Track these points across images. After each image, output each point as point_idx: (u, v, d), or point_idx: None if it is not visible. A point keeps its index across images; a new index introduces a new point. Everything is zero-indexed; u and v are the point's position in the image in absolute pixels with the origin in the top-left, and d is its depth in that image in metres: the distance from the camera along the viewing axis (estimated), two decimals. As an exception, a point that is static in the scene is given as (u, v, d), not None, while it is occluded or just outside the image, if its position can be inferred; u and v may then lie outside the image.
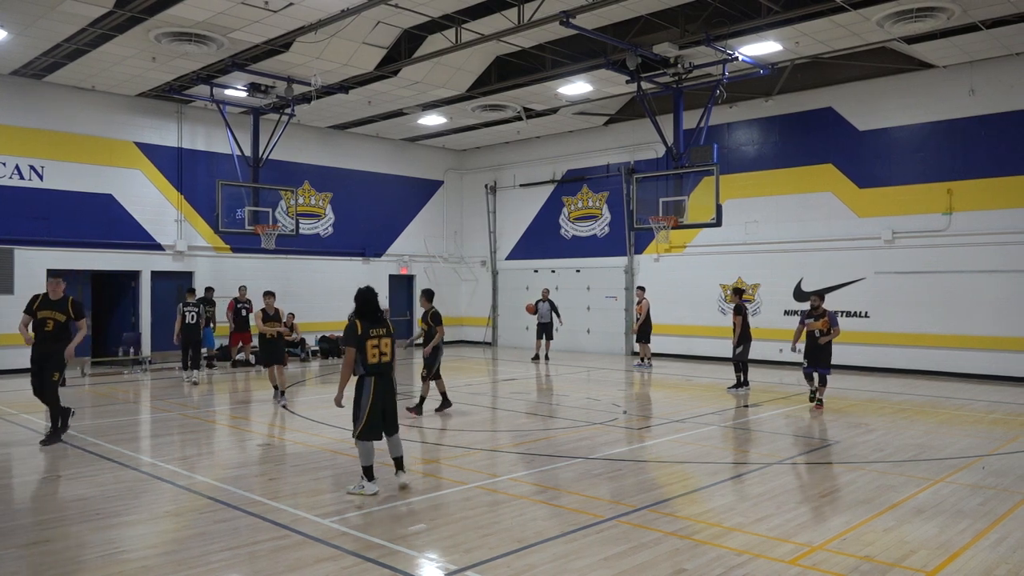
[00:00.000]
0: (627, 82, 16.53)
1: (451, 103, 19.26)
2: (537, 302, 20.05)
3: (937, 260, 16.14)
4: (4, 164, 16.77)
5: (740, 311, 13.83)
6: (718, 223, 15.89)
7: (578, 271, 22.62)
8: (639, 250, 21.27)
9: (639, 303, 17.87)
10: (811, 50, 15.34)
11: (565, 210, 23.12)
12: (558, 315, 19.96)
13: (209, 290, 18.47)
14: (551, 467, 8.13)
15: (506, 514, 6.42)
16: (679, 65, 15.75)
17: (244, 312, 17.81)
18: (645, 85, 16.40)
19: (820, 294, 12.12)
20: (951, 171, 16.09)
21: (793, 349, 12.14)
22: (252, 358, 18.06)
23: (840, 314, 17.37)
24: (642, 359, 17.94)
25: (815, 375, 11.81)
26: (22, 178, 17.01)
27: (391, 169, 23.91)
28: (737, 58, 15.13)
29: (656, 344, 20.70)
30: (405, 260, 24.24)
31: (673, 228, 16.51)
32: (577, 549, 5.54)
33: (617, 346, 21.45)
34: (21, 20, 13.49)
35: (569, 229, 23.03)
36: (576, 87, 17.85)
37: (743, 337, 13.75)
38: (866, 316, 17.09)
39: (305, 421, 11.18)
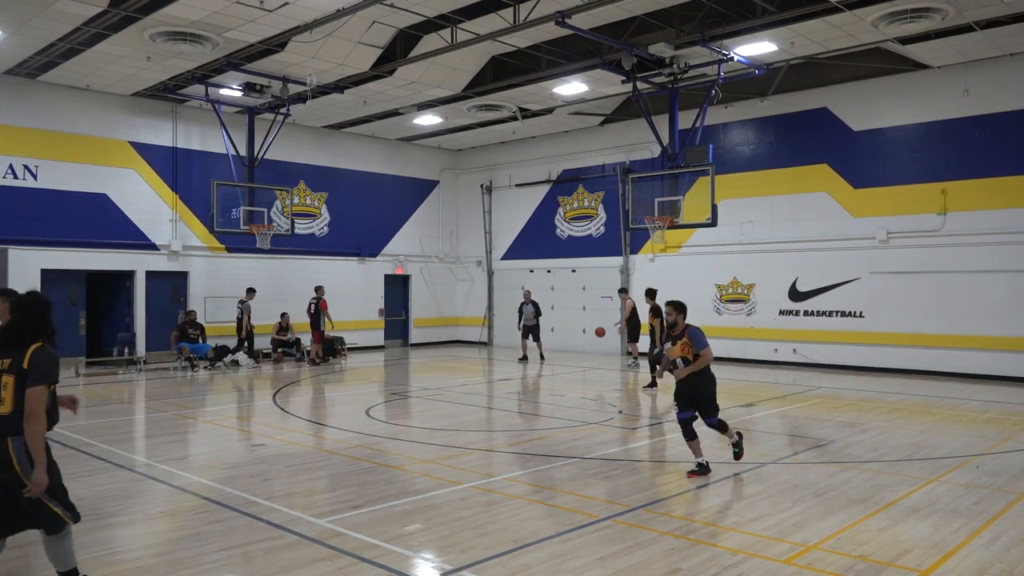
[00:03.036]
0: (623, 82, 16.55)
1: (447, 103, 19.25)
2: (521, 304, 19.92)
3: (932, 260, 16.19)
4: (-2, 163, 16.72)
5: (658, 313, 13.93)
6: (713, 223, 15.92)
7: (574, 271, 22.63)
8: (635, 250, 21.29)
9: (623, 305, 18.00)
10: (806, 50, 15.37)
11: (561, 210, 23.13)
12: (539, 314, 19.91)
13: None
14: (546, 467, 8.13)
15: (502, 514, 6.42)
16: (675, 65, 15.77)
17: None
18: (641, 85, 16.42)
19: (677, 305, 8.19)
20: (946, 171, 16.13)
21: (656, 374, 10.36)
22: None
23: (835, 314, 17.44)
24: (634, 358, 18.17)
25: (693, 429, 7.82)
26: (16, 178, 16.95)
27: (387, 169, 23.90)
28: (732, 58, 15.15)
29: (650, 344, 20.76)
30: (401, 260, 24.22)
31: (668, 228, 16.52)
32: (572, 549, 5.54)
33: (612, 346, 21.46)
34: (15, 19, 13.44)
35: (565, 229, 23.04)
36: (572, 87, 17.86)
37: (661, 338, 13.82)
38: (861, 316, 17.13)
39: (300, 421, 11.17)
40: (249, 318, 18.58)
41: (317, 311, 19.17)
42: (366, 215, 23.25)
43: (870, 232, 17.01)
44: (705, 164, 15.79)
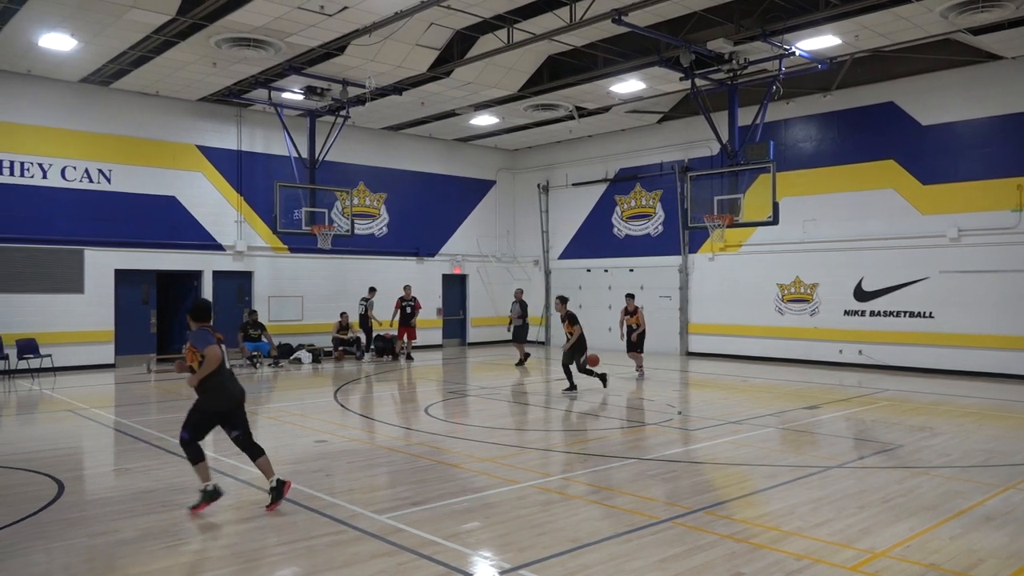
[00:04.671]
0: (680, 79, 16.35)
1: (503, 103, 19.32)
2: (513, 304, 19.62)
3: (1006, 259, 15.56)
4: (75, 168, 17.41)
5: (575, 320, 13.77)
6: (775, 221, 15.60)
7: (631, 270, 22.46)
8: (693, 249, 21.02)
9: (634, 312, 16.15)
10: (871, 43, 14.94)
11: (618, 209, 22.97)
12: (525, 315, 19.61)
13: (372, 290, 20.22)
14: (605, 467, 8.09)
15: (560, 514, 6.41)
16: (734, 61, 15.51)
17: (408, 309, 19.83)
18: (699, 82, 16.20)
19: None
20: (1021, 166, 15.49)
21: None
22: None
23: (903, 314, 16.92)
24: (641, 367, 16.27)
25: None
26: (92, 181, 17.64)
27: (444, 169, 24.09)
28: (794, 53, 14.82)
29: (711, 344, 20.48)
30: (458, 260, 24.39)
31: (728, 227, 16.25)
32: (632, 550, 5.50)
33: (672, 346, 21.23)
34: (90, 29, 13.99)
35: (622, 228, 22.88)
36: (629, 85, 17.72)
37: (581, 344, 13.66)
38: (930, 316, 16.57)
39: (360, 418, 11.33)
40: (371, 314, 19.90)
41: (410, 309, 19.92)
42: (424, 215, 23.49)
43: (940, 230, 16.44)
44: (766, 161, 15.48)
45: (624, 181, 22.78)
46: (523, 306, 19.37)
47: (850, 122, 17.94)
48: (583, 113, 20.30)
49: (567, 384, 13.58)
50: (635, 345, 16.15)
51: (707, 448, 9.15)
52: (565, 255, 24.48)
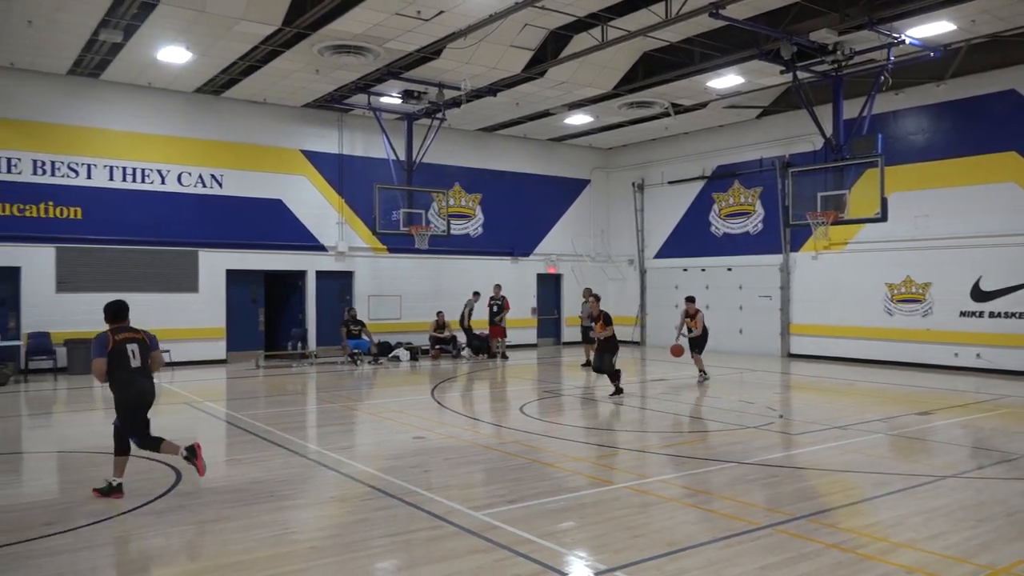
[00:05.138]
0: (781, 72, 15.84)
1: (597, 102, 19.22)
2: (583, 304, 18.98)
3: None
4: (190, 174, 18.41)
5: (609, 320, 13.23)
6: (883, 218, 14.91)
7: (729, 270, 21.94)
8: (795, 247, 20.33)
9: (694, 316, 15.39)
10: (989, 28, 14.08)
11: (715, 207, 22.48)
12: (496, 313, 19.91)
13: (476, 294, 20.63)
14: (702, 470, 7.94)
15: (656, 516, 6.34)
16: (838, 52, 14.91)
17: (495, 308, 20.17)
18: (801, 75, 15.64)
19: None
20: None
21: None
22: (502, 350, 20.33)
23: (1026, 315, 15.89)
24: (703, 371, 15.36)
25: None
26: (205, 186, 18.61)
27: (538, 169, 24.18)
28: (904, 41, 14.13)
29: (814, 346, 19.77)
30: (553, 259, 24.43)
31: (833, 224, 15.65)
32: (731, 556, 5.38)
33: (772, 347, 20.62)
34: (202, 42, 14.76)
35: (720, 226, 22.38)
36: (727, 80, 17.31)
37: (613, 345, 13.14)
38: (1057, 318, 15.47)
39: (456, 416, 11.52)
40: (470, 315, 20.36)
41: (497, 308, 20.20)
42: (519, 215, 23.64)
43: (1068, 225, 15.33)
44: (873, 155, 14.82)
45: (722, 178, 22.26)
46: (605, 316, 19.02)
47: (966, 112, 16.95)
48: (679, 110, 19.96)
49: (612, 389, 13.04)
50: (694, 348, 15.41)
51: (810, 453, 8.84)
52: (661, 254, 24.13)
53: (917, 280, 17.71)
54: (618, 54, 16.32)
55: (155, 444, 7.11)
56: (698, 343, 15.44)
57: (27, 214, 16.52)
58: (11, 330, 16.37)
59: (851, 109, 16.18)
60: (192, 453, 7.07)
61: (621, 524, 6.11)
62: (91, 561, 5.36)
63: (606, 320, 13.15)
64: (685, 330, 15.61)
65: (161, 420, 11.68)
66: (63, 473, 8.33)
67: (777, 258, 20.70)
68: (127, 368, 6.96)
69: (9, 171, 16.36)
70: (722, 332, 21.84)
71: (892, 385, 14.75)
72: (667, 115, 20.35)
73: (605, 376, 13.32)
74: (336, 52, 15.16)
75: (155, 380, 7.29)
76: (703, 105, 19.61)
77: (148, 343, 7.18)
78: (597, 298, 14.12)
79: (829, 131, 15.85)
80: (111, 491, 6.89)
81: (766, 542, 5.66)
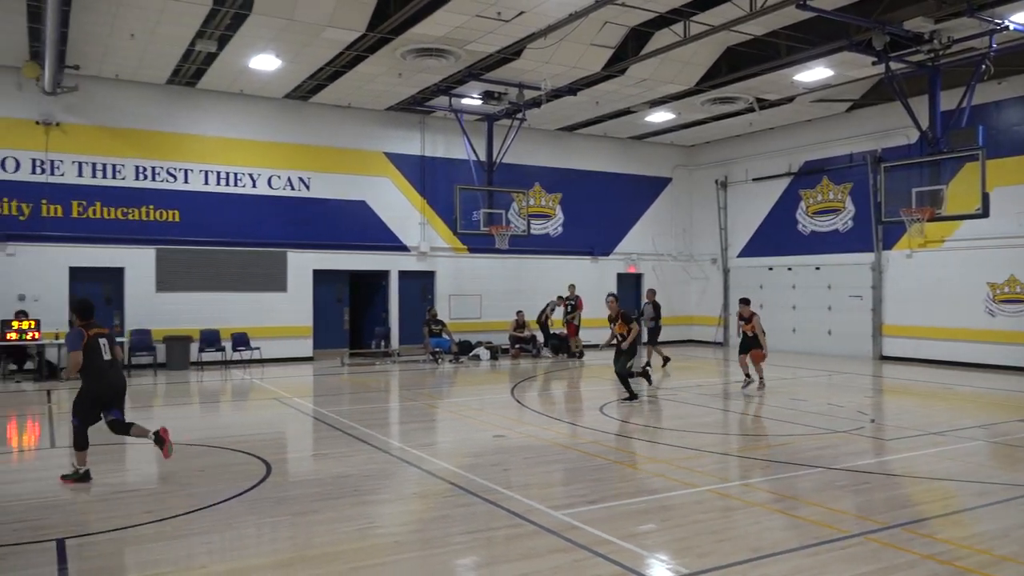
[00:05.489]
0: (873, 64, 15.24)
1: (679, 98, 18.92)
2: (644, 304, 18.80)
3: None
4: (279, 177, 19.06)
5: (629, 319, 12.60)
6: (985, 214, 14.15)
7: (817, 268, 21.25)
8: (888, 245, 19.52)
9: (749, 319, 13.87)
10: (1106, 10, 13.18)
11: (803, 204, 21.81)
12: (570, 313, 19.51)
13: (560, 298, 20.57)
14: (789, 475, 7.72)
15: (740, 521, 6.20)
16: (935, 41, 14.23)
17: (569, 307, 20.08)
18: (894, 65, 15.00)
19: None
20: None
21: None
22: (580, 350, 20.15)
23: None
24: (748, 376, 14.01)
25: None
26: (293, 189, 19.23)
27: (619, 168, 23.98)
28: (1007, 27, 13.36)
29: (908, 348, 18.95)
30: (633, 259, 24.19)
31: (929, 220, 14.97)
32: (819, 564, 5.21)
33: (863, 349, 19.86)
34: (291, 49, 15.24)
35: (807, 224, 21.70)
36: (814, 73, 16.76)
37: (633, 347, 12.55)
38: None
39: (536, 415, 11.54)
40: (549, 316, 20.50)
41: (571, 308, 20.13)
42: (599, 214, 23.51)
43: None
44: (974, 148, 14.10)
45: (810, 174, 21.58)
46: (656, 307, 18.40)
47: (1078, 100, 15.93)
48: (764, 105, 19.46)
49: (626, 394, 12.46)
50: (747, 348, 14.01)
51: (904, 460, 8.48)
52: (745, 253, 23.58)
53: (1022, 279, 16.75)
54: (701, 49, 16.02)
55: (127, 428, 7.69)
56: (751, 345, 13.99)
57: (130, 217, 17.44)
58: (116, 327, 17.31)
59: (948, 100, 15.42)
60: (159, 438, 7.63)
61: (704, 528, 6.00)
62: (186, 549, 5.61)
63: (625, 320, 12.54)
64: (740, 336, 14.42)
65: (252, 415, 12.16)
66: (162, 464, 8.73)
67: (868, 256, 19.92)
68: (100, 360, 7.52)
69: (114, 177, 17.30)
70: (810, 333, 21.21)
71: (993, 390, 14.00)
72: (751, 110, 19.86)
73: (646, 377, 13.27)
74: (418, 55, 15.41)
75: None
76: (789, 99, 19.05)
77: (112, 337, 7.87)
78: (616, 298, 13.25)
79: (925, 123, 15.16)
80: (79, 478, 7.39)
81: (857, 551, 5.46)
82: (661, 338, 18.48)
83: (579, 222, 23.20)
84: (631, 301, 24.24)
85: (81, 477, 7.40)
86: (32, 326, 15.36)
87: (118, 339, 16.67)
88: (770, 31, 14.93)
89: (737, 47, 16.10)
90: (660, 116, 20.84)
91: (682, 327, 24.97)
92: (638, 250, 24.29)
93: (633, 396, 12.47)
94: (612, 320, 12.75)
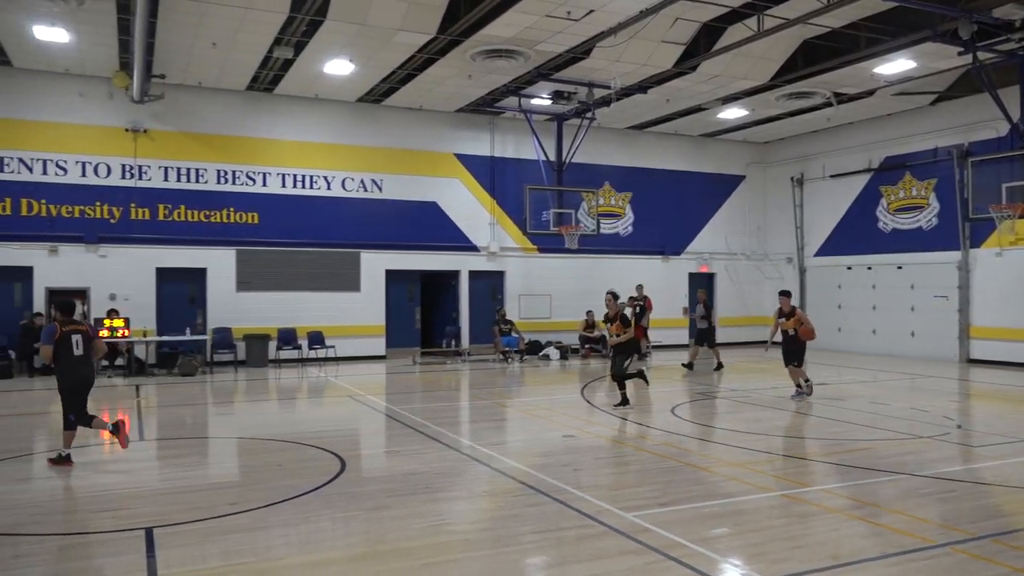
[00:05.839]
0: (959, 54, 14.62)
1: (753, 94, 18.53)
2: (696, 304, 18.09)
3: None
4: (353, 179, 19.47)
5: (627, 322, 11.91)
6: (1083, 209, 13.43)
7: (899, 268, 20.49)
8: (976, 243, 18.67)
9: (792, 315, 12.59)
10: None
11: (883, 201, 21.07)
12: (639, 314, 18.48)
13: (639, 287, 19.94)
14: (869, 481, 7.47)
15: (817, 527, 6.04)
16: (1027, 28, 13.58)
17: (637, 308, 19.32)
18: (982, 55, 14.38)
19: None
20: None
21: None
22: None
23: None
24: (800, 386, 12.72)
25: None
26: (366, 190, 19.62)
27: (690, 166, 23.64)
28: (1109, 11, 12.65)
29: (998, 351, 18.09)
30: (705, 258, 23.81)
31: (1020, 217, 14.29)
32: (902, 574, 5.03)
33: (948, 351, 19.06)
34: (364, 54, 15.55)
35: (888, 222, 20.94)
36: (896, 65, 16.17)
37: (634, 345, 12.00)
38: None
39: (606, 415, 11.47)
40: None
41: (639, 308, 19.65)
42: (670, 213, 23.23)
43: None
44: (1071, 140, 13.38)
45: (891, 170, 20.83)
46: (707, 307, 17.94)
47: None
48: (842, 99, 18.88)
49: (619, 399, 11.89)
50: (792, 356, 12.57)
51: (995, 468, 8.10)
52: (822, 252, 22.92)
53: (1125, 278, 15.81)
54: (775, 44, 15.65)
55: (89, 420, 8.32)
56: (795, 351, 12.60)
57: (212, 220, 18.09)
58: (199, 326, 17.99)
59: (1043, 90, 14.69)
60: (116, 428, 8.28)
61: (780, 533, 5.86)
62: (266, 541, 5.79)
63: (623, 322, 11.82)
64: (779, 334, 12.90)
65: (326, 411, 12.46)
66: (242, 458, 9.04)
67: (954, 255, 19.10)
68: (70, 355, 8.18)
69: (197, 181, 17.98)
70: (891, 335, 20.49)
71: (1093, 395, 13.26)
72: (829, 105, 19.29)
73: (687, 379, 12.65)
74: (488, 56, 15.52)
75: (94, 365, 8.75)
76: (869, 93, 18.43)
77: (90, 334, 8.47)
78: (615, 296, 12.22)
79: (1016, 115, 14.46)
80: (62, 460, 8.09)
81: (943, 562, 5.25)
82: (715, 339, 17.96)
83: (650, 221, 22.97)
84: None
85: (65, 459, 8.10)
86: (122, 324, 16.09)
87: (200, 337, 17.40)
88: (848, 23, 14.48)
89: (813, 40, 15.66)
90: (733, 113, 20.44)
91: (756, 328, 24.42)
92: (710, 249, 23.89)
93: (626, 401, 11.82)
94: (610, 320, 11.98)
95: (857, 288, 21.55)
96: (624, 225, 22.70)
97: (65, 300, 8.61)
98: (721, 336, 23.64)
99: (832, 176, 22.47)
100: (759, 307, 24.41)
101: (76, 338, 8.26)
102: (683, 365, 17.25)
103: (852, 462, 8.26)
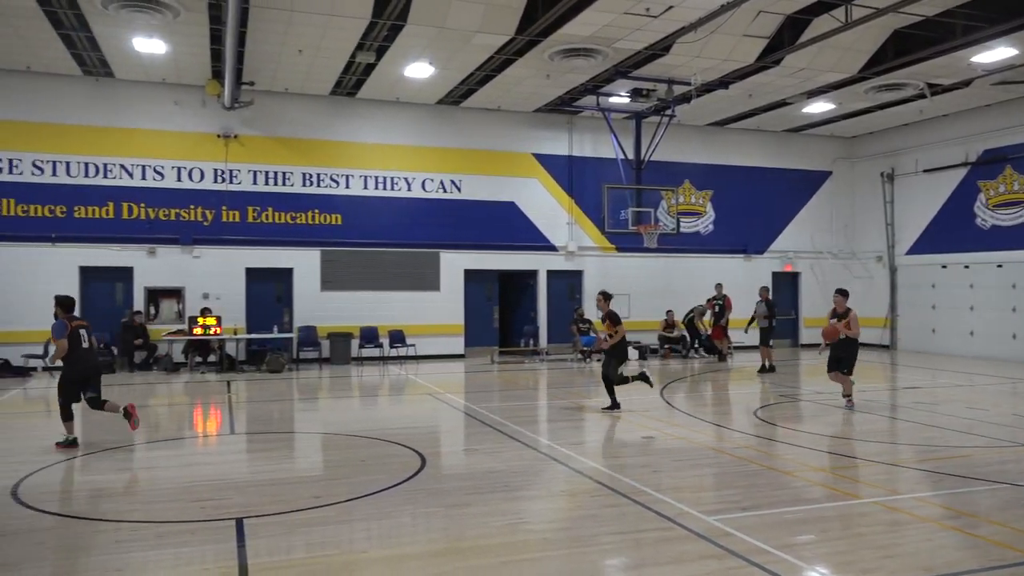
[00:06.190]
0: (1068, 39, 13.79)
1: (840, 87, 17.92)
2: (758, 303, 17.26)
3: None
4: (432, 180, 19.76)
5: (617, 319, 11.36)
6: None
7: (999, 266, 19.47)
8: (1085, 240, 17.59)
9: (843, 317, 11.60)
10: None
11: (982, 196, 20.05)
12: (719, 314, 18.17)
13: (719, 286, 19.55)
14: (965, 490, 7.13)
15: (909, 537, 5.80)
16: None
17: (717, 308, 19.27)
18: (1094, 39, 13.51)
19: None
20: None
21: None
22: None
23: None
24: (850, 396, 11.64)
25: None
26: (445, 191, 19.88)
27: (773, 163, 23.04)
28: None
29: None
30: (789, 257, 23.17)
31: None
32: (1002, 588, 4.79)
33: (1053, 355, 18.00)
34: (444, 56, 15.76)
35: (987, 218, 19.92)
36: (995, 53, 15.37)
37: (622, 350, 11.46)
38: None
39: (686, 417, 11.31)
40: (697, 319, 20.08)
41: (718, 308, 19.30)
42: (752, 211, 22.70)
43: None
44: None
45: (990, 164, 19.81)
46: (769, 306, 17.10)
47: None
48: (936, 90, 18.05)
49: (609, 402, 11.49)
50: (840, 362, 11.58)
51: (1105, 479, 7.61)
52: (914, 250, 21.98)
53: None
54: (864, 34, 15.09)
55: (102, 404, 9.01)
56: (845, 357, 11.58)
57: (298, 221, 18.67)
58: (285, 324, 18.59)
59: None
60: (127, 413, 9.00)
61: (868, 542, 5.66)
62: (349, 533, 5.94)
63: (613, 320, 11.35)
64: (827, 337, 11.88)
65: (407, 409, 12.68)
66: (326, 452, 9.30)
67: (1061, 253, 18.03)
68: (79, 348, 8.80)
69: (283, 184, 18.58)
70: (990, 337, 19.52)
71: None
72: (922, 97, 18.48)
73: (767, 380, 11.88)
74: (566, 56, 15.50)
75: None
76: (966, 83, 17.57)
77: (90, 329, 9.13)
78: (606, 297, 11.81)
79: None
80: (68, 443, 8.78)
81: (1047, 576, 4.97)
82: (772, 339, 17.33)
83: (731, 219, 22.50)
84: (786, 301, 23.23)
85: (71, 443, 8.80)
86: (214, 322, 16.77)
87: (287, 335, 18.00)
88: (943, 10, 13.84)
89: (905, 29, 15.03)
90: (819, 107, 19.82)
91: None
92: (795, 248, 23.23)
93: (616, 405, 11.43)
94: (602, 320, 11.68)
95: (953, 288, 20.59)
96: (705, 223, 22.31)
97: (66, 297, 9.20)
98: (806, 337, 23.09)
99: (926, 171, 21.52)
100: (846, 305, 23.57)
101: (83, 332, 8.93)
102: (760, 372, 16.61)
103: (947, 469, 7.90)
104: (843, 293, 12.00)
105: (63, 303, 9.10)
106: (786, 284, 23.33)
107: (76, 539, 5.80)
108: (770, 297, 17.50)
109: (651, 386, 12.35)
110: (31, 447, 9.01)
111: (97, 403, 9.03)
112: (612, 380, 11.42)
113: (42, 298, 16.69)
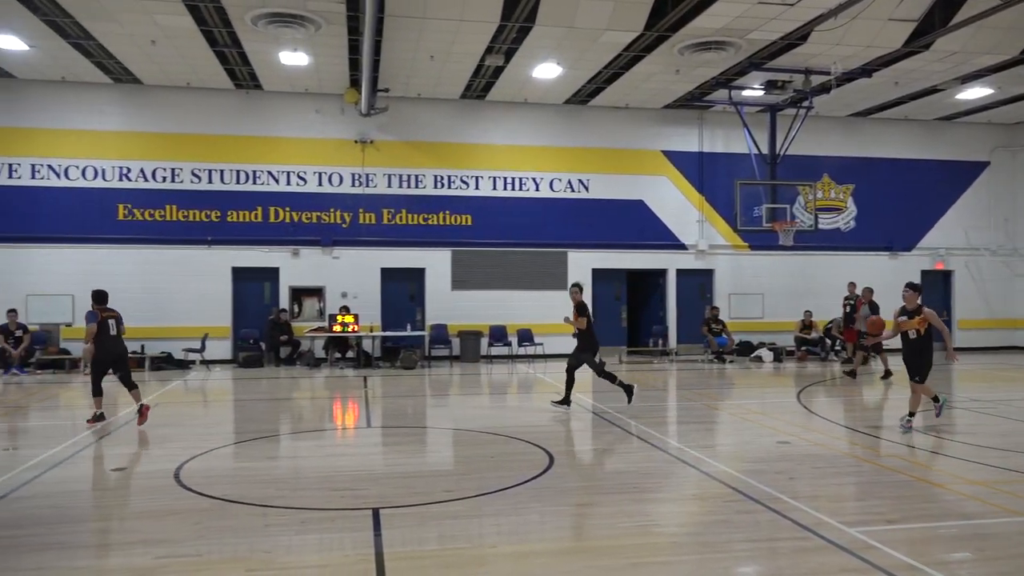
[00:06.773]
0: None
1: (999, 70, 16.59)
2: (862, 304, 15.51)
3: None
4: (560, 180, 19.86)
5: (583, 310, 11.38)
6: None
7: None
8: None
9: (914, 313, 9.96)
10: None
11: None
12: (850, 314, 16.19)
13: (851, 284, 18.24)
14: None
15: (1082, 559, 5.29)
16: None
17: (848, 308, 17.77)
18: None
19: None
20: None
21: None
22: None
23: None
24: (912, 414, 10.13)
25: None
26: (573, 191, 19.91)
27: (922, 154, 21.60)
28: None
29: None
30: (941, 254, 21.65)
31: None
32: None
33: None
34: (571, 55, 15.78)
35: None
36: None
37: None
38: None
39: (825, 422, 10.80)
40: (836, 331, 18.82)
41: (850, 308, 18.18)
42: (898, 206, 21.39)
43: None
44: None
45: None
46: (873, 307, 15.57)
47: None
48: (1116, 68, 16.38)
49: (560, 396, 11.61)
50: (910, 370, 10.17)
51: None
52: (1088, 245, 20.03)
53: None
54: (1028, 11, 13.89)
55: (133, 386, 10.31)
56: (917, 363, 10.10)
57: (430, 222, 19.24)
58: (418, 322, 19.20)
59: None
60: (141, 409, 10.06)
61: (1033, 563, 5.21)
62: (478, 528, 6.06)
63: (580, 312, 11.48)
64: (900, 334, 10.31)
65: (535, 407, 12.79)
66: (457, 448, 9.53)
67: None
68: (107, 335, 10.17)
69: (416, 186, 19.20)
70: None
71: None
72: (1097, 77, 16.82)
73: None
74: (696, 50, 15.15)
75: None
76: None
77: (120, 319, 10.41)
78: (579, 288, 12.06)
79: None
80: (96, 418, 10.20)
81: None
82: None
83: (875, 215, 21.29)
84: (937, 301, 21.72)
85: (99, 417, 10.21)
86: (352, 320, 17.54)
87: (419, 333, 18.58)
88: (1124, -20, 12.53)
89: (1078, 4, 13.70)
90: (974, 92, 18.42)
91: (1004, 331, 21.89)
92: (947, 244, 21.68)
93: (567, 402, 11.69)
94: (575, 310, 11.81)
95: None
96: (845, 219, 21.21)
97: (99, 291, 10.40)
98: (961, 340, 21.48)
99: (1102, 158, 19.56)
100: (1009, 308, 21.83)
101: (111, 321, 10.27)
102: (881, 378, 15.48)
103: None
104: (915, 288, 10.14)
105: (96, 296, 10.37)
106: (937, 283, 21.81)
107: (230, 521, 6.23)
108: (873, 299, 16.04)
109: (629, 402, 11.73)
110: (191, 434, 9.77)
111: (127, 381, 10.36)
112: (601, 373, 11.67)
113: (201, 297, 18.20)
